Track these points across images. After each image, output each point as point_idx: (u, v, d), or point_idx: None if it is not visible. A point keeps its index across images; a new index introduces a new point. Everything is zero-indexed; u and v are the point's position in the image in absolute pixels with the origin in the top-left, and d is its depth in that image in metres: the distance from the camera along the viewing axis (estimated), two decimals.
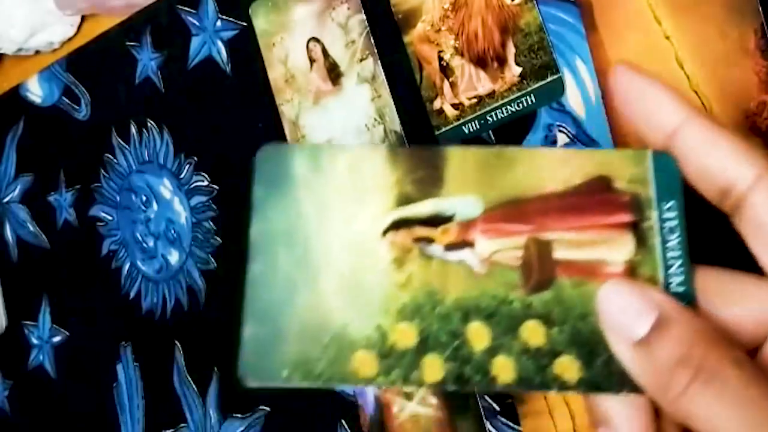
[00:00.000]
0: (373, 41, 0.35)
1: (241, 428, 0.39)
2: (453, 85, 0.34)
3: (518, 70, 0.32)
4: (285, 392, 0.38)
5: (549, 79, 0.31)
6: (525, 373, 0.19)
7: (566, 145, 0.31)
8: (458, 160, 0.20)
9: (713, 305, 0.19)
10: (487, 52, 0.33)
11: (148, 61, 0.43)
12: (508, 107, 0.32)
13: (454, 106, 0.34)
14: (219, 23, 0.40)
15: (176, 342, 0.41)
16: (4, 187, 0.49)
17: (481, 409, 0.33)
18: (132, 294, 0.43)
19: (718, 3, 0.28)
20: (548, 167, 0.20)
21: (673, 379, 0.17)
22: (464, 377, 0.19)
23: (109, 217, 0.45)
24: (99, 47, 0.45)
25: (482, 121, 0.33)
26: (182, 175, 0.42)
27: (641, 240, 0.19)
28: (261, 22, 0.38)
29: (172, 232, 0.42)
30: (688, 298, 0.19)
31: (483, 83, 0.33)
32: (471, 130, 0.33)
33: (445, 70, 0.34)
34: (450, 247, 0.20)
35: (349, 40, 0.36)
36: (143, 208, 0.43)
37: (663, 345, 0.17)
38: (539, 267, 0.19)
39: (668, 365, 0.17)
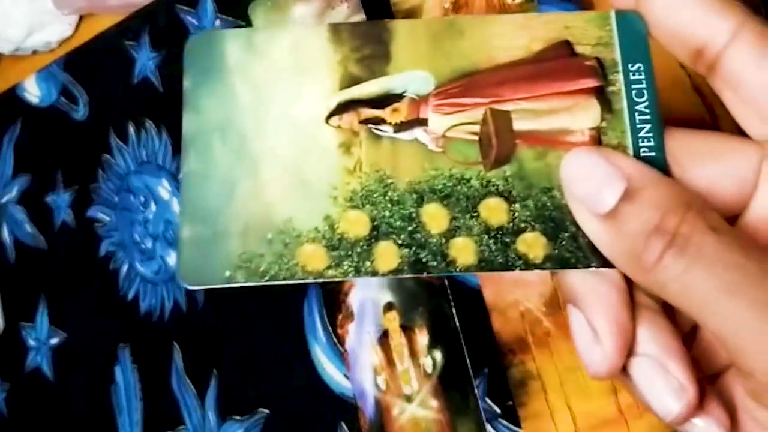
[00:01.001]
0: None
1: (240, 430, 0.39)
2: None
3: None
4: (283, 392, 0.38)
5: None
6: (486, 254, 0.18)
7: None
8: (406, 33, 0.18)
9: (686, 168, 0.18)
10: None
11: (146, 60, 0.43)
12: None
13: None
14: (218, 22, 0.40)
15: (175, 344, 0.41)
16: (1, 188, 0.49)
17: (482, 412, 0.32)
18: (130, 295, 0.43)
19: None
20: (505, 35, 0.18)
21: (645, 250, 0.16)
22: (421, 262, 0.18)
23: (107, 218, 0.44)
24: (97, 47, 0.45)
25: None
26: (181, 176, 0.41)
27: (607, 105, 0.18)
28: (260, 21, 0.38)
29: (171, 233, 0.42)
30: (659, 164, 0.18)
31: None
32: None
33: None
34: (401, 126, 0.18)
35: None
36: (142, 209, 0.43)
37: (633, 215, 0.16)
38: (499, 139, 0.18)
39: (640, 236, 0.16)
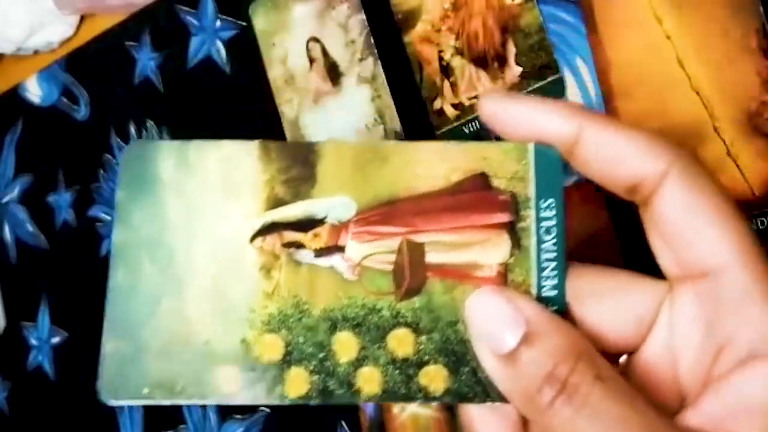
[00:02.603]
0: (373, 41, 0.35)
1: (241, 429, 0.39)
2: (453, 85, 0.33)
3: (518, 70, 0.32)
4: None
5: (549, 79, 0.31)
6: (390, 385, 0.18)
7: None
8: (333, 156, 0.19)
9: (586, 306, 0.19)
10: (488, 52, 0.33)
11: (147, 60, 0.43)
12: None
13: (455, 106, 0.33)
14: (218, 23, 0.40)
15: None
16: (2, 188, 0.49)
17: None
18: None
19: (720, 2, 0.28)
20: (426, 163, 0.19)
21: (538, 394, 0.17)
22: (328, 391, 0.18)
23: (109, 218, 0.45)
24: (98, 47, 0.45)
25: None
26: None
27: (517, 241, 0.18)
28: (260, 21, 0.38)
29: None
30: (558, 303, 0.18)
31: (483, 83, 0.33)
32: (471, 130, 0.33)
33: (446, 70, 0.34)
34: (320, 252, 0.19)
35: (349, 40, 0.36)
36: None
37: (530, 360, 0.17)
38: (411, 272, 0.18)
39: (534, 380, 0.17)
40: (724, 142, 0.28)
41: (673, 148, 0.18)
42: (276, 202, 0.19)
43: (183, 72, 0.42)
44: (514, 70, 0.32)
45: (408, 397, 0.18)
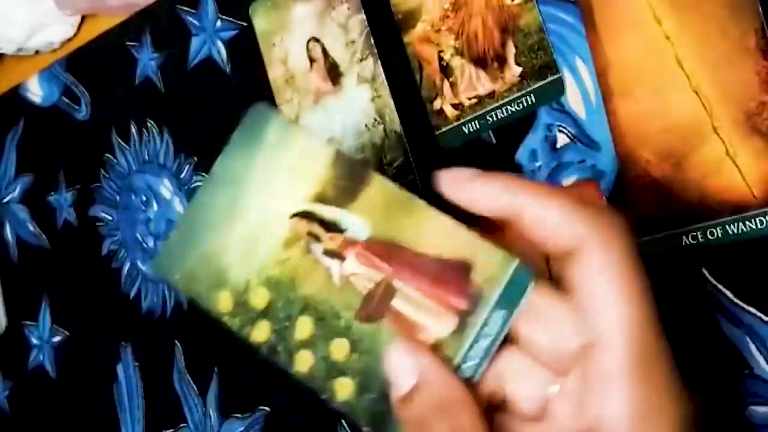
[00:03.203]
0: (373, 41, 0.35)
1: (241, 428, 0.39)
2: (453, 85, 0.34)
3: (518, 70, 0.32)
4: (284, 391, 0.38)
5: (549, 79, 0.31)
6: (314, 373, 0.22)
7: (566, 145, 0.31)
8: (377, 187, 0.23)
9: (506, 381, 0.21)
10: (487, 52, 0.33)
11: (147, 61, 0.43)
12: (508, 107, 0.32)
13: (454, 106, 0.34)
14: (219, 23, 0.41)
15: (176, 342, 0.41)
16: (3, 187, 0.49)
17: None
18: (132, 294, 0.43)
19: (719, 3, 0.28)
20: (434, 230, 0.22)
21: (422, 427, 0.21)
22: (275, 350, 0.23)
23: (109, 217, 0.45)
24: (99, 47, 0.45)
25: (482, 121, 0.33)
26: (182, 175, 0.42)
27: (460, 328, 0.21)
28: (261, 22, 0.38)
29: None
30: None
31: (483, 83, 0.33)
32: (471, 130, 0.33)
33: (445, 70, 0.34)
34: (327, 252, 0.23)
35: (349, 40, 0.36)
36: (143, 208, 0.44)
37: (414, 404, 0.21)
38: (377, 306, 0.22)
39: (415, 421, 0.21)
40: (723, 142, 0.28)
41: (594, 221, 0.20)
42: (322, 199, 0.23)
43: (183, 72, 0.42)
44: (513, 70, 0.32)
45: (320, 390, 0.22)
